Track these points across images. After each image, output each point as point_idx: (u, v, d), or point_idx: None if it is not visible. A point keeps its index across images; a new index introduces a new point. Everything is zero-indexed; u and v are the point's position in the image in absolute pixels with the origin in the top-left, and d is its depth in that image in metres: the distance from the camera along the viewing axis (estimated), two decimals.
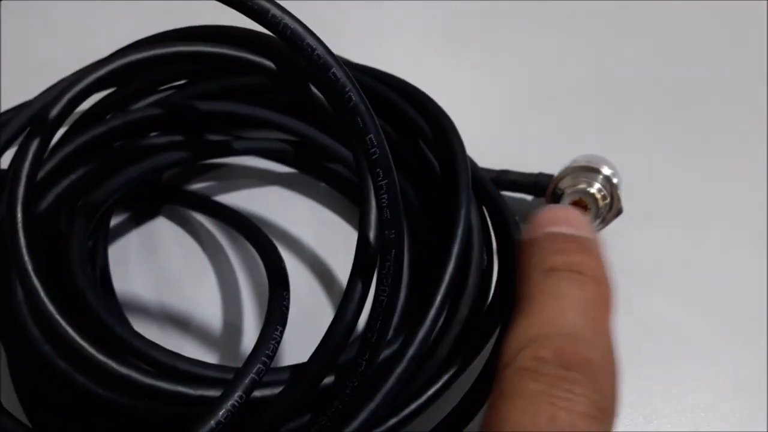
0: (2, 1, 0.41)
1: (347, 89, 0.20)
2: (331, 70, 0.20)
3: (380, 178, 0.21)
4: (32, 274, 0.22)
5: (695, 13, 0.44)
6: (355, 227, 0.34)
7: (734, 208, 0.35)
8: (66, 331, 0.22)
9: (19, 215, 0.22)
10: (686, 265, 0.33)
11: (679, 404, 0.29)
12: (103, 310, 0.24)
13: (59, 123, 0.24)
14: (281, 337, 0.24)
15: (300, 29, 0.20)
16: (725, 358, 0.30)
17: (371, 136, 0.20)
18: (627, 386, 0.28)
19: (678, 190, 0.36)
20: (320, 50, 0.20)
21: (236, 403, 0.21)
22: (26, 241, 0.22)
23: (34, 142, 0.23)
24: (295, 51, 0.20)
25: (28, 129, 0.24)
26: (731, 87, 0.40)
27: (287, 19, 0.19)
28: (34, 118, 0.27)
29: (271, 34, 0.26)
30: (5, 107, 0.32)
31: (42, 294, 0.22)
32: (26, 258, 0.22)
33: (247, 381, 0.22)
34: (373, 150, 0.20)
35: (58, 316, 0.22)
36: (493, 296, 0.28)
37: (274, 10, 0.19)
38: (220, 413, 0.21)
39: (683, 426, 0.28)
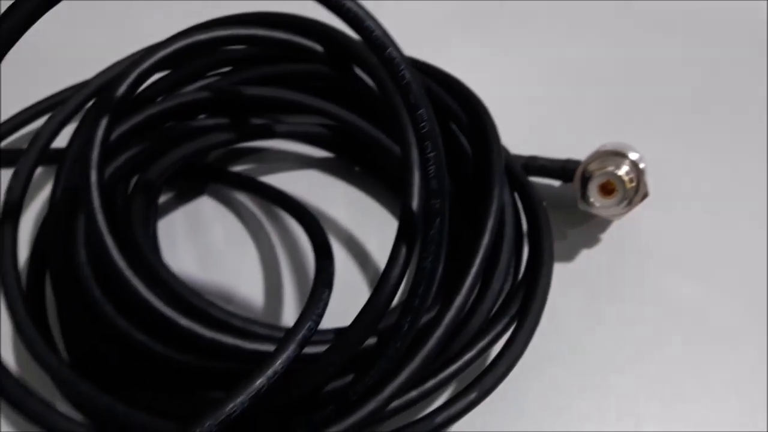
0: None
1: (402, 68, 0.22)
2: (388, 50, 0.22)
3: (429, 151, 0.23)
4: (105, 231, 0.24)
5: (721, 12, 0.47)
6: (388, 209, 0.36)
7: (757, 195, 0.37)
8: (137, 287, 0.23)
9: (94, 177, 0.24)
10: (709, 249, 0.34)
11: (699, 384, 0.30)
12: (163, 270, 0.26)
13: (128, 96, 0.26)
14: (328, 299, 0.26)
15: (361, 12, 0.21)
16: (746, 339, 0.31)
17: (422, 111, 0.22)
18: (649, 365, 0.30)
19: (703, 178, 0.38)
20: (378, 32, 0.22)
21: (290, 355, 0.23)
22: (100, 202, 0.24)
23: (106, 113, 0.25)
24: (357, 31, 0.21)
25: (97, 100, 0.26)
26: (754, 81, 0.43)
27: (350, 3, 0.21)
28: (103, 90, 0.29)
29: (319, 20, 0.29)
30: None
31: (114, 251, 0.23)
32: (100, 217, 0.24)
33: (299, 336, 0.23)
34: (423, 124, 0.22)
35: (129, 272, 0.23)
36: (524, 274, 0.30)
37: None
38: (277, 363, 0.23)
39: (705, 405, 0.29)
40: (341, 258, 0.34)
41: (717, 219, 0.36)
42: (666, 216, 0.35)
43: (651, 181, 0.32)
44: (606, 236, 0.34)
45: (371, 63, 0.27)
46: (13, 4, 0.20)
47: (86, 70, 0.36)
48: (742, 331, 0.32)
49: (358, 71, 0.29)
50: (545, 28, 0.45)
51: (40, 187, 0.35)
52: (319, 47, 0.28)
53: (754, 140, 0.39)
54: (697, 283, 0.33)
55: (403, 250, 0.24)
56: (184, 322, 0.24)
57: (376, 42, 0.21)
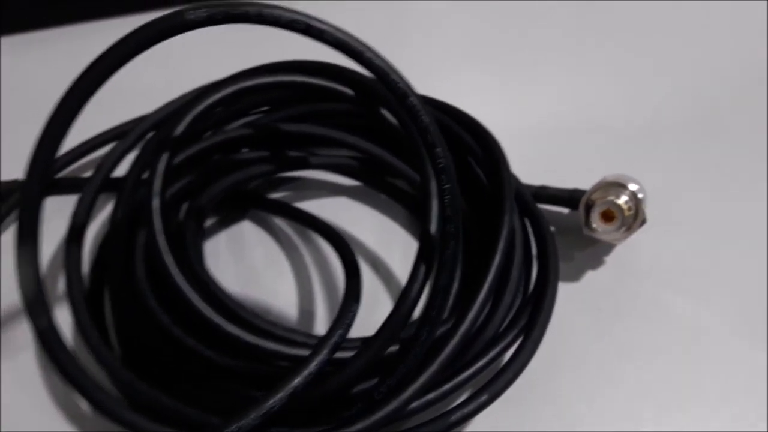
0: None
1: (421, 113, 0.25)
2: (409, 98, 0.25)
3: (444, 183, 0.26)
4: (166, 250, 0.27)
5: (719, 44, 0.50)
6: (411, 233, 0.39)
7: (750, 221, 0.40)
8: (192, 299, 0.27)
9: (156, 204, 0.28)
10: (704, 270, 0.38)
11: (693, 393, 0.33)
12: (213, 285, 0.30)
13: (185, 134, 0.30)
14: (357, 311, 0.29)
15: (386, 67, 0.25)
16: (737, 353, 0.34)
17: (439, 149, 0.26)
18: (647, 374, 0.33)
19: (700, 206, 0.41)
20: (401, 83, 0.25)
21: (323, 359, 0.27)
22: (162, 225, 0.28)
23: (166, 148, 0.29)
24: (382, 83, 0.25)
25: (159, 137, 0.30)
26: (745, 116, 0.46)
27: (378, 60, 0.25)
28: (162, 126, 0.33)
29: (350, 68, 0.32)
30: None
31: (174, 268, 0.27)
32: (161, 238, 0.28)
33: (332, 342, 0.27)
34: (439, 160, 0.26)
35: (186, 286, 0.27)
36: (532, 291, 0.34)
37: (368, 52, 0.25)
38: (312, 365, 0.26)
39: (697, 412, 0.32)
40: (367, 275, 0.37)
41: (711, 243, 0.39)
42: (664, 240, 0.38)
43: (651, 209, 0.35)
44: (609, 258, 0.38)
45: (395, 106, 0.31)
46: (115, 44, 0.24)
47: (145, 106, 0.40)
48: (734, 345, 0.35)
49: (384, 111, 0.33)
50: (554, 72, 0.49)
51: (98, 211, 0.39)
52: (349, 91, 0.32)
53: (747, 173, 0.43)
54: (692, 301, 0.36)
55: (422, 268, 0.28)
56: (233, 330, 0.27)
57: (398, 92, 0.25)
